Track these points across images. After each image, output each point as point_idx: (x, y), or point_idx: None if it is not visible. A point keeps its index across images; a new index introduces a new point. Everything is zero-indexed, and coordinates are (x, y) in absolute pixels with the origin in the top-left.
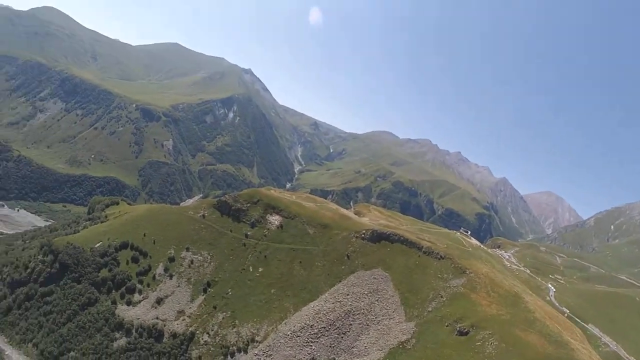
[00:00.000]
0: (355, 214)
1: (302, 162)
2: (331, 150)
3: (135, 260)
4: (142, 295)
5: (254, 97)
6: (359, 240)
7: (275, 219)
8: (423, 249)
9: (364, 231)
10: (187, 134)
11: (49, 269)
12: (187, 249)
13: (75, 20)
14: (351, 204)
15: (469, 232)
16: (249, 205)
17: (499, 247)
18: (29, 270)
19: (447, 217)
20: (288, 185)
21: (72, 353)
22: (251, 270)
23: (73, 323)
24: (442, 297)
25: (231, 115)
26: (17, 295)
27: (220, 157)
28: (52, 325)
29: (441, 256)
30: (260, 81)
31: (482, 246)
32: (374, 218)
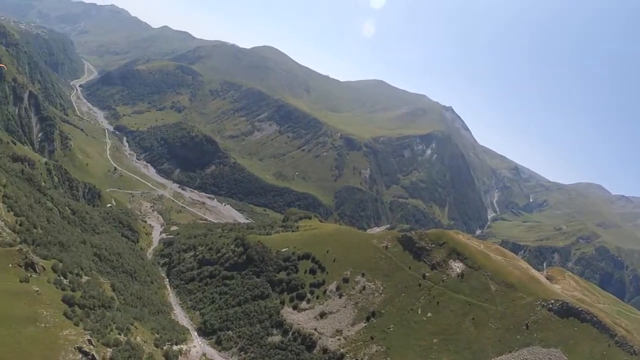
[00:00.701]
0: (547, 279)
1: (497, 209)
2: (530, 200)
3: (312, 271)
4: (309, 305)
5: (454, 136)
6: (544, 310)
7: (457, 266)
8: (616, 338)
9: (552, 301)
10: (384, 166)
11: (236, 258)
12: (363, 275)
13: (291, 58)
14: (544, 265)
15: None
16: (433, 245)
17: None
18: (219, 254)
19: None
20: (478, 232)
21: (229, 332)
22: (419, 312)
23: (241, 308)
24: None
25: (429, 151)
26: (202, 271)
27: (413, 192)
28: (223, 304)
29: (635, 351)
30: (460, 119)
31: None
32: (567, 287)
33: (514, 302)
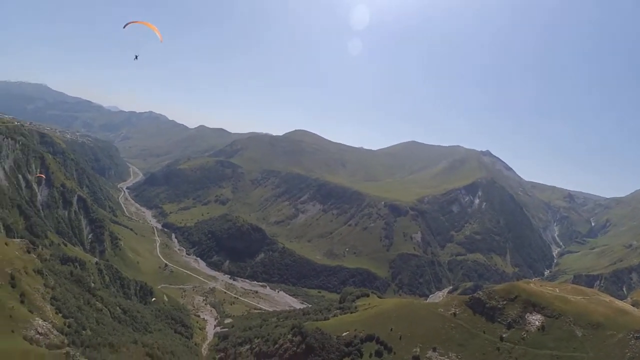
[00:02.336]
0: (633, 305)
1: (561, 243)
2: (592, 224)
3: (378, 354)
4: None
5: (498, 179)
6: (639, 342)
7: (535, 319)
8: None
9: None
10: (435, 226)
11: (295, 348)
12: (434, 349)
13: (322, 137)
14: (624, 289)
15: None
16: (505, 302)
17: None
18: (276, 345)
19: None
20: (547, 273)
21: None
22: None
23: None
24: None
25: (477, 201)
26: None
27: (469, 247)
28: None
29: None
30: (500, 161)
31: None
32: None
33: (605, 342)
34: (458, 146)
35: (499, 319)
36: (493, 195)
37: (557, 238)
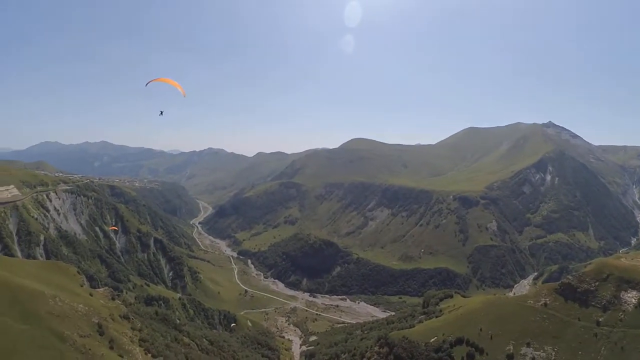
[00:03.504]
0: None
1: None
2: None
3: (470, 357)
4: None
5: (566, 150)
6: None
7: (631, 297)
8: None
9: None
10: (509, 211)
11: None
12: (528, 345)
13: (378, 142)
14: None
15: None
16: (597, 283)
17: None
18: (364, 359)
19: None
20: (633, 241)
21: None
22: None
23: None
24: None
25: (548, 177)
26: None
27: (549, 227)
28: None
29: None
30: (566, 130)
31: None
32: None
33: None
34: (518, 123)
35: (593, 303)
36: (564, 168)
37: (638, 202)
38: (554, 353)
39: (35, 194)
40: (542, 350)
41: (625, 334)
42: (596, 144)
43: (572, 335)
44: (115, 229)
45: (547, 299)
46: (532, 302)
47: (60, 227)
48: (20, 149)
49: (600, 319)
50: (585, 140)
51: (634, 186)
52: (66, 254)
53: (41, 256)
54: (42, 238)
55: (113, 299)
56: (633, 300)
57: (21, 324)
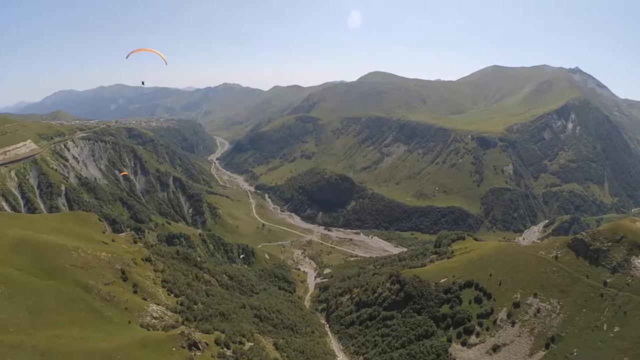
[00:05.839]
0: None
1: None
2: None
3: (478, 300)
4: (479, 339)
5: (591, 99)
6: None
7: None
8: None
9: None
10: (526, 156)
11: (394, 297)
12: (535, 295)
13: (397, 76)
14: None
15: None
16: (610, 244)
17: None
18: (376, 294)
19: None
20: None
21: None
22: (605, 328)
23: (406, 350)
24: None
25: (570, 125)
26: (361, 314)
27: (565, 176)
28: (386, 346)
29: None
30: (592, 78)
31: None
32: None
33: None
34: (544, 65)
35: (603, 263)
36: (587, 118)
37: None
38: (559, 307)
39: (53, 145)
40: (547, 302)
41: (630, 299)
42: (623, 97)
43: (579, 292)
44: (126, 174)
45: (559, 252)
46: (543, 253)
47: (81, 174)
48: (35, 101)
49: (608, 280)
50: (611, 92)
51: None
52: (88, 200)
53: (64, 206)
54: (63, 188)
55: (135, 242)
56: None
57: (47, 280)
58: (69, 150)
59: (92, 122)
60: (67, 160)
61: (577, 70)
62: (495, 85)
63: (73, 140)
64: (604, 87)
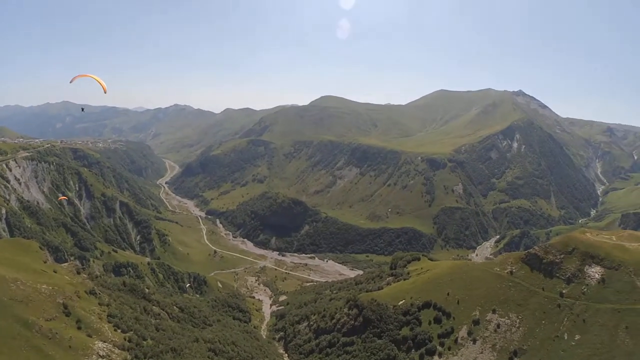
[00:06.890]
0: None
1: (604, 180)
2: (635, 158)
3: (437, 320)
4: (441, 359)
5: (534, 119)
6: None
7: (594, 272)
8: None
9: None
10: (475, 175)
11: (352, 322)
12: (494, 311)
13: (349, 100)
14: None
15: None
16: (562, 256)
17: None
18: (334, 320)
19: None
20: (593, 212)
21: None
22: (566, 337)
23: None
24: None
25: (515, 144)
26: (320, 341)
27: (513, 193)
28: None
29: None
30: (535, 99)
31: None
32: None
33: None
34: (489, 89)
35: (558, 274)
36: (531, 137)
37: (600, 175)
38: (518, 320)
39: None
40: (506, 317)
41: (588, 307)
42: (564, 115)
43: (536, 305)
44: (65, 199)
45: (513, 267)
46: (498, 269)
47: (22, 197)
48: None
49: (564, 291)
50: (553, 112)
51: (597, 160)
52: (29, 225)
53: (4, 231)
54: (3, 212)
55: (78, 273)
56: (597, 275)
57: None
58: (10, 170)
59: (37, 140)
60: (8, 181)
61: (520, 93)
62: (443, 108)
63: (15, 160)
64: (546, 107)
